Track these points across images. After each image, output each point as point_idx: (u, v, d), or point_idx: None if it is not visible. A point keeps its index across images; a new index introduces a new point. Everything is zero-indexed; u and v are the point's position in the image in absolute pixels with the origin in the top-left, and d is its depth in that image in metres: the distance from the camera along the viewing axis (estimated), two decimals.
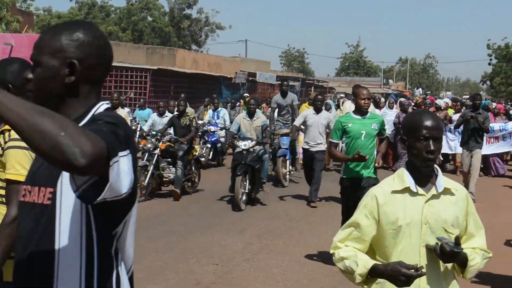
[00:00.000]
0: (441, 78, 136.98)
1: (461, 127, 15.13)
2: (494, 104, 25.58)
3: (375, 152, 8.90)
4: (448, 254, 3.35)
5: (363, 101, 8.64)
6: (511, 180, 18.27)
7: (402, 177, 3.63)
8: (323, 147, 13.50)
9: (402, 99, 22.43)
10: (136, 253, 8.57)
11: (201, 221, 11.88)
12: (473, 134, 14.47)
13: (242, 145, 13.08)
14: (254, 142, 13.14)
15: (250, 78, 40.70)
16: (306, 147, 13.76)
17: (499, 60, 70.79)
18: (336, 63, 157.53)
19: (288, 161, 16.45)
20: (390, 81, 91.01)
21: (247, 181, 13.16)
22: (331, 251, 3.76)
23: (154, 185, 14.10)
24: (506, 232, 11.02)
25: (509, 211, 13.21)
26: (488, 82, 79.79)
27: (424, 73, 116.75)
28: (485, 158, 19.01)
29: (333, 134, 8.88)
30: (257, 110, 15.00)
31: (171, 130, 14.80)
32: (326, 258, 9.39)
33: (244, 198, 13.06)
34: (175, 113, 15.18)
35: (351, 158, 8.32)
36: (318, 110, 13.90)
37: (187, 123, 14.58)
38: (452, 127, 17.55)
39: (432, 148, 3.49)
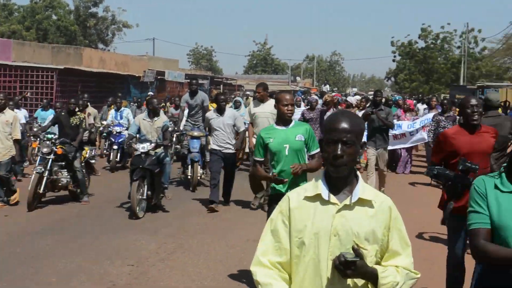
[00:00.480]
0: (347, 74, 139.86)
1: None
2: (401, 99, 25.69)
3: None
4: (342, 264, 3.09)
5: (286, 108, 7.47)
6: (417, 177, 18.55)
7: (317, 182, 3.37)
8: (234, 149, 13.31)
9: (310, 97, 22.37)
10: (48, 256, 8.42)
11: (113, 223, 11.72)
12: (378, 132, 14.22)
13: (140, 148, 12.27)
14: (153, 145, 12.38)
15: (158, 77, 40.43)
16: (217, 148, 13.10)
17: (402, 57, 72.76)
18: (244, 61, 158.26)
19: (199, 165, 15.56)
20: (298, 78, 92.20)
21: (146, 186, 12.36)
22: (252, 268, 3.40)
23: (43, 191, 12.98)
24: (417, 227, 11.29)
25: (417, 207, 13.51)
26: (392, 79, 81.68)
27: (331, 70, 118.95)
28: (395, 156, 19.49)
29: (256, 151, 7.54)
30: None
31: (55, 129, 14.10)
32: (241, 255, 9.46)
33: (142, 204, 12.29)
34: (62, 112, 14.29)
35: (271, 179, 7.28)
36: (221, 111, 13.23)
37: (77, 123, 13.73)
38: None
39: (338, 152, 3.22)
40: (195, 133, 15.40)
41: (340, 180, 3.31)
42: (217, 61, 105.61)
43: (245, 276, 8.42)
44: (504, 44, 68.12)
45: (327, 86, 76.39)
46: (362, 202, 3.29)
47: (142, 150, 12.23)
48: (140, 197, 12.21)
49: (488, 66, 70.28)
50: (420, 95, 58.62)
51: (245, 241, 10.39)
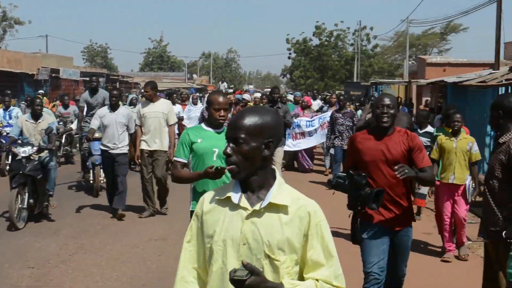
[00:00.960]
0: (243, 72, 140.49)
1: None
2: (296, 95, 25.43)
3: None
4: (231, 281, 2.76)
5: (217, 113, 6.30)
6: (317, 175, 18.74)
7: (230, 184, 3.13)
8: (125, 149, 12.48)
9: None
10: None
11: (10, 224, 11.15)
12: None
13: (21, 151, 11.28)
14: (35, 148, 11.43)
15: (53, 75, 39.59)
16: (104, 148, 12.35)
17: (297, 54, 73.84)
18: (139, 58, 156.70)
19: (101, 168, 14.11)
20: (194, 75, 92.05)
21: (27, 194, 11.26)
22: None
23: None
24: None
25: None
26: (288, 75, 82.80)
27: (227, 67, 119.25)
28: (295, 154, 19.42)
29: (179, 150, 6.41)
30: (45, 109, 13.04)
31: None
32: (144, 255, 9.46)
33: (23, 214, 11.22)
34: None
35: (203, 173, 5.93)
36: (113, 107, 12.39)
37: None
38: None
39: (226, 150, 3.00)
40: (96, 135, 13.57)
41: (252, 182, 3.02)
42: (112, 59, 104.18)
43: (149, 277, 8.44)
44: (395, 42, 70.25)
45: (225, 83, 76.62)
46: (275, 207, 2.97)
47: (23, 155, 11.28)
48: (21, 206, 11.13)
49: (380, 63, 72.27)
50: (315, 92, 59.71)
51: (147, 240, 10.39)
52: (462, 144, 9.56)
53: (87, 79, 42.77)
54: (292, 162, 19.87)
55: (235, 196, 3.00)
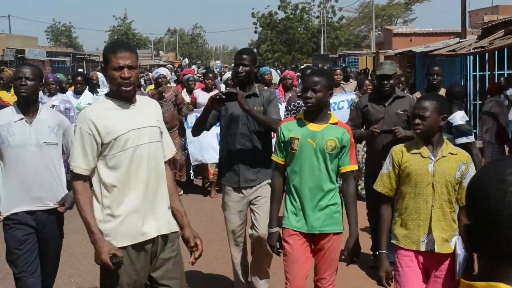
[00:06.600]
0: (209, 47, 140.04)
1: None
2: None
3: None
4: None
5: None
6: None
7: None
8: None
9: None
10: None
11: None
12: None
13: None
14: None
15: (18, 55, 39.17)
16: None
17: (264, 28, 73.62)
18: (104, 36, 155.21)
19: None
20: (161, 52, 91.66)
21: None
22: None
23: None
24: None
25: None
26: (255, 50, 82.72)
27: (193, 43, 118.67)
28: None
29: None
30: None
31: None
32: None
33: None
34: None
35: None
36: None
37: None
38: None
39: None
40: None
41: None
42: (77, 37, 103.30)
43: None
44: (360, 13, 70.50)
45: (186, 59, 76.24)
46: None
47: None
48: None
49: (347, 35, 72.48)
50: (283, 66, 59.80)
51: None
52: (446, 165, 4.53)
53: (53, 59, 42.44)
54: None
55: None
